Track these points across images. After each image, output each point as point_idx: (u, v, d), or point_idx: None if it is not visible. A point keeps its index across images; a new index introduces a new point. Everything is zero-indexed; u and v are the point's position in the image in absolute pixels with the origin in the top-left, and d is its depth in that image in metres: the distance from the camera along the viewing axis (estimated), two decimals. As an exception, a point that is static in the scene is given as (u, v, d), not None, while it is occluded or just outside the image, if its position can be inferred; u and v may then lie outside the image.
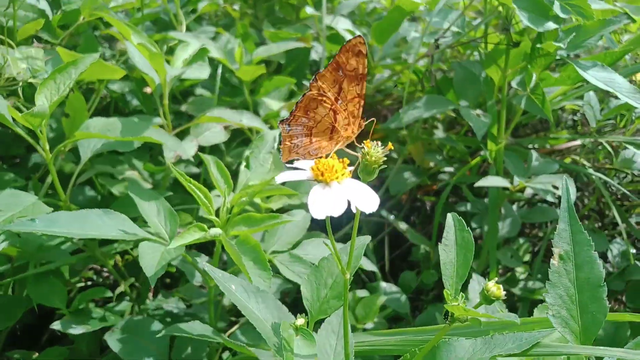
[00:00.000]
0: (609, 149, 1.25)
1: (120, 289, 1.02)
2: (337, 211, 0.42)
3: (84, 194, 1.17)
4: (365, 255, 1.34)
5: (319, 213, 0.41)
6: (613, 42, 1.08)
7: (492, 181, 1.08)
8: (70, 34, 1.12)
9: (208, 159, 0.86)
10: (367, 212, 0.43)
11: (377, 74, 1.37)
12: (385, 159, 0.51)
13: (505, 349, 0.53)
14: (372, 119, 0.60)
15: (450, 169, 1.43)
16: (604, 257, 1.30)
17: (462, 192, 1.36)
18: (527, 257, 1.39)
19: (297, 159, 0.53)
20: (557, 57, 1.00)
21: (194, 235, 0.72)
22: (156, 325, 0.96)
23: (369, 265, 0.93)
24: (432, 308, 1.24)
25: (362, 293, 1.17)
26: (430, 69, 1.08)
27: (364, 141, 0.51)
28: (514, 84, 1.11)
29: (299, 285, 0.80)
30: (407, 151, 1.35)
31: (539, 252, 1.34)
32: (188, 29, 1.25)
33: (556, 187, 0.99)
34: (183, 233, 0.72)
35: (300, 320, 0.57)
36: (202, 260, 0.92)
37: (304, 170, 0.48)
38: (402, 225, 1.32)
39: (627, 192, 1.19)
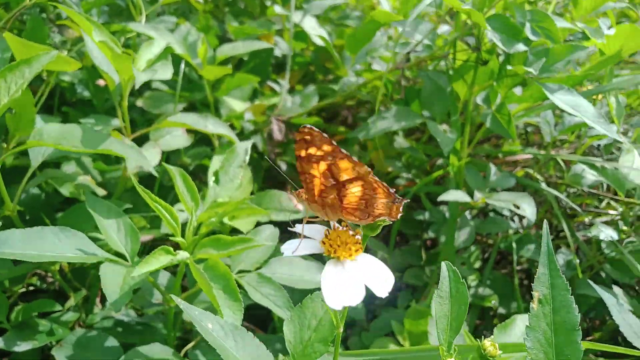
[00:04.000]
0: (562, 164, 1.31)
1: (71, 302, 0.95)
2: (355, 300, 0.40)
3: (26, 192, 1.09)
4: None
5: (336, 304, 0.39)
6: (575, 65, 1.11)
7: (454, 195, 1.10)
8: (15, 17, 1.02)
9: (174, 171, 0.81)
10: (383, 297, 0.42)
11: (344, 77, 1.34)
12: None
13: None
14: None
15: (408, 175, 1.44)
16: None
17: (420, 199, 1.38)
18: (477, 264, 1.44)
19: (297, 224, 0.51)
20: (524, 79, 1.02)
21: (161, 260, 0.68)
22: (110, 342, 0.91)
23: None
24: (386, 313, 1.26)
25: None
26: (400, 81, 1.07)
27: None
28: (479, 100, 1.13)
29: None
30: (369, 157, 1.35)
31: (488, 259, 1.39)
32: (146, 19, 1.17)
33: (517, 207, 1.02)
34: (148, 258, 0.68)
35: (282, 364, 0.55)
36: (163, 279, 0.88)
37: (312, 239, 0.46)
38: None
39: (576, 207, 1.25)
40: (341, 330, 0.47)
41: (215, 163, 0.96)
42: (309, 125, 0.48)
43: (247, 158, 0.86)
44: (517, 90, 1.16)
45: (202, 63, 1.16)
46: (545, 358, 0.56)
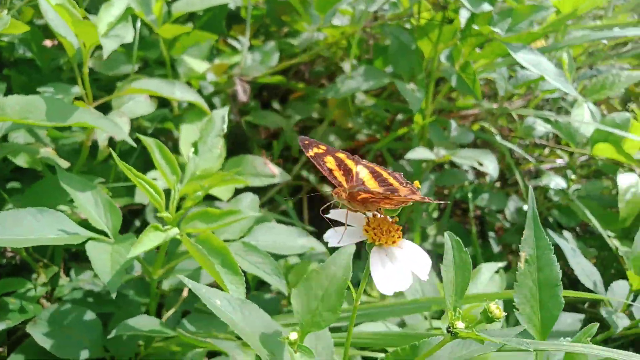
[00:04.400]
0: (515, 117, 1.37)
1: (42, 279, 0.92)
2: (405, 286, 0.42)
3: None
4: (288, 215, 1.36)
5: (388, 290, 0.41)
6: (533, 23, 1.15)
7: (419, 153, 1.13)
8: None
9: (151, 143, 0.78)
10: (424, 280, 0.43)
11: (303, 33, 1.31)
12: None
13: (480, 347, 0.59)
14: None
15: (368, 132, 1.46)
16: (502, 212, 1.46)
17: (382, 155, 1.41)
18: (435, 214, 1.51)
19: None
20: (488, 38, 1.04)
21: (153, 239, 0.67)
22: (88, 315, 0.89)
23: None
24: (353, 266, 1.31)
25: (293, 260, 1.19)
26: (365, 39, 1.07)
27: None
28: (442, 57, 1.15)
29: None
30: (333, 114, 1.35)
31: (445, 210, 1.46)
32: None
33: (480, 163, 1.07)
34: (141, 237, 0.66)
35: (294, 335, 0.57)
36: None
37: (352, 227, 0.46)
38: (327, 189, 1.34)
39: (529, 157, 1.33)
40: (359, 303, 0.49)
41: (185, 132, 0.93)
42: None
43: (225, 127, 0.84)
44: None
45: (157, 20, 1.09)
46: (531, 311, 0.61)
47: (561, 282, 0.61)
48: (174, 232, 0.69)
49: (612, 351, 0.53)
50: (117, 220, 0.75)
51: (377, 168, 0.54)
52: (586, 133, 1.18)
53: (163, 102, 1.23)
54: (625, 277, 1.13)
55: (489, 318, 0.49)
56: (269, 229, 0.86)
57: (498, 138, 1.33)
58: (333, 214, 0.49)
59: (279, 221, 1.00)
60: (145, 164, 1.17)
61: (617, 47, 1.60)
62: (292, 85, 1.46)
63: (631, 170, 1.18)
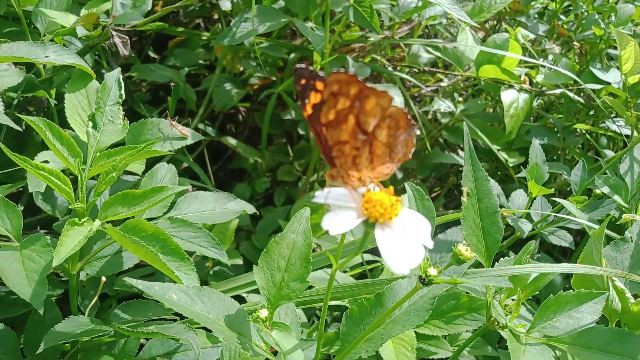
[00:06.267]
0: (403, 46, 1.39)
1: None
2: (420, 259, 0.39)
3: None
4: (191, 172, 1.28)
5: (405, 268, 0.38)
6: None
7: (324, 93, 1.11)
8: None
9: (40, 124, 0.66)
10: (430, 246, 0.41)
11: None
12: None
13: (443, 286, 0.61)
14: None
15: (260, 74, 1.39)
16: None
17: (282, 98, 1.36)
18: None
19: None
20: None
21: (74, 236, 0.58)
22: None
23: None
24: (268, 214, 1.29)
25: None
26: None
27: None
28: (335, -9, 1.11)
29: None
30: (225, 60, 1.25)
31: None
32: None
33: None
34: (61, 239, 0.56)
35: (264, 312, 0.54)
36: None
37: (348, 208, 0.41)
38: (231, 141, 1.27)
39: (420, 84, 1.37)
40: (336, 268, 0.47)
41: (70, 101, 0.80)
42: (335, 70, 0.42)
43: (123, 92, 0.73)
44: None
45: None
46: (476, 240, 0.65)
47: (499, 210, 0.66)
48: (96, 224, 0.60)
49: (555, 266, 0.59)
50: (18, 220, 0.64)
51: (398, 114, 0.49)
52: (471, 56, 1.24)
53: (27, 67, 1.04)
54: (515, 183, 1.26)
55: (459, 260, 0.51)
56: (194, 198, 0.79)
57: (390, 69, 1.35)
58: (323, 198, 0.44)
59: (194, 187, 0.93)
60: (18, 146, 1.01)
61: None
62: (170, 30, 1.31)
63: (511, 86, 1.28)
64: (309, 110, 0.44)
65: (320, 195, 0.44)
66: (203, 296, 0.55)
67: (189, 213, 0.77)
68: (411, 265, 0.39)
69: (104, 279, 0.87)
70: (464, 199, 0.64)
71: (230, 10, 1.39)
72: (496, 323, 0.63)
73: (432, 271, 0.51)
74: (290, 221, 0.57)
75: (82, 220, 0.61)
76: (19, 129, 0.64)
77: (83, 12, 1.04)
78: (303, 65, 0.43)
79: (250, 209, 0.83)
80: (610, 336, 0.57)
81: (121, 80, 0.74)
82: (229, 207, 0.80)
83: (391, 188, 0.42)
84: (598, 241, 0.67)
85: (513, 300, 0.66)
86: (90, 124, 0.69)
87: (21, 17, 0.99)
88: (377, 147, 0.45)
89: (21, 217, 0.64)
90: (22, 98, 1.01)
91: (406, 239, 0.41)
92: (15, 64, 0.84)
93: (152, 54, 1.46)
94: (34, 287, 0.56)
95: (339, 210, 0.42)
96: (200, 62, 1.37)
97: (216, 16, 1.50)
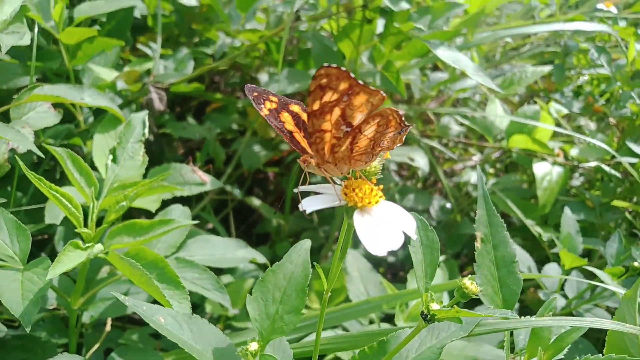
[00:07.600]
0: (432, 117, 1.41)
1: None
2: (397, 244, 0.38)
3: None
4: (215, 232, 1.28)
5: (381, 250, 0.37)
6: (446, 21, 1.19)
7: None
8: None
9: (62, 154, 0.68)
10: (414, 238, 0.40)
11: (219, 40, 1.26)
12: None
13: (450, 333, 0.56)
14: None
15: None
16: (428, 211, 1.49)
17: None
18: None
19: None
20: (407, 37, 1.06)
21: (74, 257, 0.57)
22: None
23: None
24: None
25: (226, 279, 1.11)
26: (292, 40, 1.04)
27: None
28: (363, 59, 1.15)
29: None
30: (256, 124, 1.30)
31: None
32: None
33: (412, 159, 1.07)
34: (60, 257, 0.56)
35: (253, 345, 0.51)
36: (55, 280, 0.75)
37: (326, 195, 0.42)
38: (256, 201, 1.28)
39: (450, 154, 1.36)
40: (329, 295, 0.45)
41: (98, 142, 0.84)
42: (326, 64, 0.43)
43: (147, 131, 0.76)
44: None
45: (57, 26, 0.98)
46: (492, 291, 0.60)
47: (517, 259, 0.61)
48: (97, 248, 0.60)
49: (579, 320, 0.53)
50: (26, 243, 0.64)
51: (390, 114, 0.50)
52: (501, 126, 1.23)
53: (67, 118, 1.11)
54: (550, 261, 1.19)
55: (464, 295, 0.47)
56: (204, 242, 0.79)
57: (419, 137, 1.36)
58: (304, 188, 0.45)
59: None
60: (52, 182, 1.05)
61: (514, 49, 1.72)
62: (208, 96, 1.39)
63: (544, 159, 1.25)
64: (265, 112, 0.48)
65: (305, 202, 0.43)
66: (192, 324, 0.52)
67: (197, 255, 0.76)
68: (388, 247, 0.37)
69: (108, 327, 0.86)
70: (477, 244, 0.60)
71: (268, 82, 1.46)
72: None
73: (435, 306, 0.47)
74: (289, 252, 0.55)
75: (86, 245, 0.61)
76: (42, 155, 0.67)
77: (126, 69, 1.12)
78: (252, 85, 0.50)
79: (261, 259, 0.81)
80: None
81: (146, 121, 0.77)
82: (238, 254, 0.79)
83: (374, 180, 0.42)
84: (630, 304, 0.61)
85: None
86: (111, 157, 0.72)
87: (70, 73, 1.07)
88: (360, 140, 0.46)
89: (30, 241, 0.65)
90: (60, 145, 1.07)
91: (386, 223, 0.39)
92: (55, 106, 0.89)
93: (191, 120, 1.53)
94: (26, 306, 0.55)
95: (320, 195, 0.42)
96: (234, 126, 1.43)
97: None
